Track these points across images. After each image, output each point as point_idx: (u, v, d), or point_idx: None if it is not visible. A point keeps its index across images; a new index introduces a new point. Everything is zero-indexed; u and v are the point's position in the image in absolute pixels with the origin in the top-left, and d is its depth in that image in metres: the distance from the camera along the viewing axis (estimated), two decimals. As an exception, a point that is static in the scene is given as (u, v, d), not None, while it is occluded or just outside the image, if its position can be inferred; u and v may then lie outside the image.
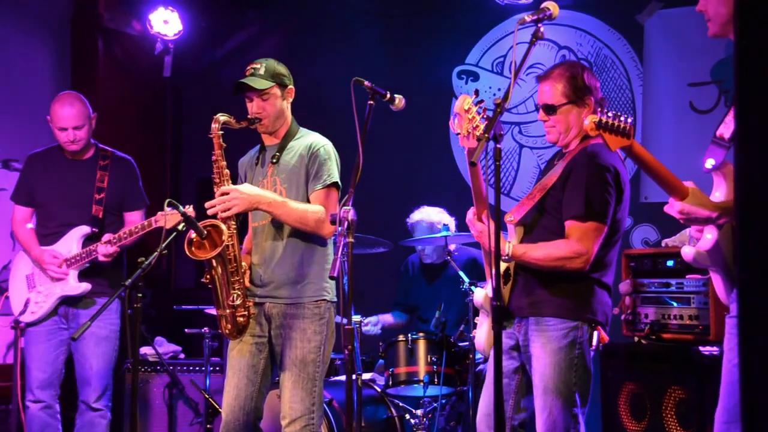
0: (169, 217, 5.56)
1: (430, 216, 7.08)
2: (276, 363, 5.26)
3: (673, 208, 4.00)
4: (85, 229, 6.11)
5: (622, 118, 3.89)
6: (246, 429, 5.21)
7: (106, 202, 6.18)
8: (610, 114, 3.89)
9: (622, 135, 3.90)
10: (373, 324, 7.11)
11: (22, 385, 6.29)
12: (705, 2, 4.05)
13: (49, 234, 6.17)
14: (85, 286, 6.06)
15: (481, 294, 4.81)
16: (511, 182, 7.78)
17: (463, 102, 4.35)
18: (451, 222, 7.02)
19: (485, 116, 4.30)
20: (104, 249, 5.93)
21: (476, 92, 4.41)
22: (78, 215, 6.16)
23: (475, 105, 4.33)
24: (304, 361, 5.13)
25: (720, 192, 4.03)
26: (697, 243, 4.12)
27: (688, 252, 4.17)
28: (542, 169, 4.88)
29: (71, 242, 6.09)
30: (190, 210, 5.45)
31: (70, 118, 6.12)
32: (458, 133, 4.38)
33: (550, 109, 4.62)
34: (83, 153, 6.27)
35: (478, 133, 4.25)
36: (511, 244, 4.44)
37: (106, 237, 5.98)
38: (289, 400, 5.13)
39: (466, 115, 4.34)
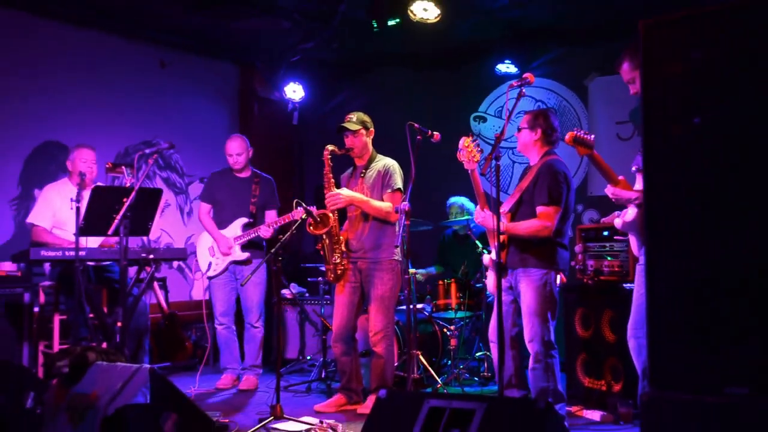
0: (300, 212, 5.68)
1: (459, 202, 7.00)
2: (365, 299, 5.35)
3: (609, 191, 4.11)
4: (245, 220, 6.17)
5: (588, 136, 4.06)
6: (346, 337, 5.34)
7: (257, 203, 6.24)
8: (581, 132, 4.05)
9: (587, 146, 4.05)
10: (422, 275, 7.09)
11: (210, 314, 6.42)
12: (627, 75, 4.06)
13: (222, 221, 6.23)
14: (247, 255, 6.13)
15: (487, 257, 4.91)
16: (508, 184, 7.78)
17: (464, 142, 4.51)
18: (472, 207, 6.98)
19: (479, 148, 4.48)
20: (265, 231, 6.02)
21: (471, 135, 4.59)
22: (241, 211, 6.21)
23: (473, 143, 4.48)
24: (383, 297, 5.24)
25: (639, 185, 4.09)
26: (623, 216, 4.17)
27: (618, 222, 4.27)
28: (521, 174, 4.90)
29: (236, 227, 6.16)
30: (312, 207, 5.61)
31: (233, 148, 6.25)
32: (462, 161, 4.52)
33: (518, 129, 4.73)
34: (243, 172, 6.32)
35: (476, 159, 4.46)
36: (504, 223, 4.50)
37: (266, 223, 6.07)
38: (374, 320, 5.24)
39: (466, 149, 4.48)
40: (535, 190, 4.53)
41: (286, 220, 5.96)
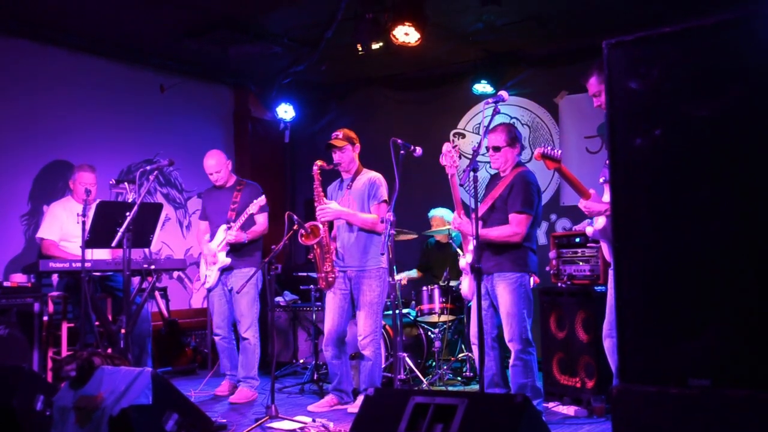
0: (254, 206, 5.64)
1: (440, 213, 6.96)
2: (354, 305, 5.30)
3: (581, 204, 4.11)
4: (224, 226, 5.82)
5: (555, 151, 4.06)
6: (337, 341, 5.30)
7: (236, 209, 5.86)
8: (549, 147, 4.06)
9: (555, 160, 4.04)
10: (404, 277, 6.94)
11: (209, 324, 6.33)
12: (594, 89, 4.06)
13: (213, 232, 5.96)
14: (228, 260, 5.80)
15: (464, 262, 4.86)
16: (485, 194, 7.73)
17: (447, 147, 4.52)
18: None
19: (458, 153, 4.56)
20: (238, 236, 5.70)
21: (452, 142, 4.54)
22: (222, 219, 5.89)
23: (454, 149, 4.52)
24: (371, 303, 5.20)
25: (607, 196, 4.07)
26: (594, 225, 4.16)
27: (589, 231, 4.26)
28: (488, 183, 4.89)
29: (220, 235, 5.83)
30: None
31: (210, 167, 5.97)
32: (444, 165, 4.55)
33: (496, 149, 4.68)
34: (226, 183, 6.03)
35: (456, 165, 4.53)
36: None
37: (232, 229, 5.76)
38: (363, 325, 5.20)
39: (449, 154, 4.52)
40: (509, 199, 4.57)
41: (246, 215, 5.71)
